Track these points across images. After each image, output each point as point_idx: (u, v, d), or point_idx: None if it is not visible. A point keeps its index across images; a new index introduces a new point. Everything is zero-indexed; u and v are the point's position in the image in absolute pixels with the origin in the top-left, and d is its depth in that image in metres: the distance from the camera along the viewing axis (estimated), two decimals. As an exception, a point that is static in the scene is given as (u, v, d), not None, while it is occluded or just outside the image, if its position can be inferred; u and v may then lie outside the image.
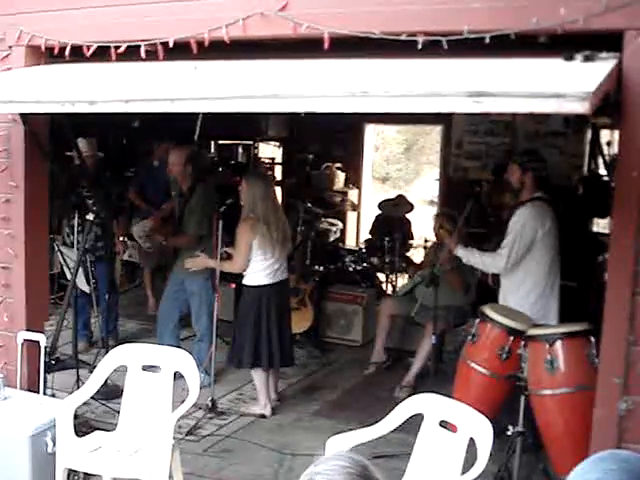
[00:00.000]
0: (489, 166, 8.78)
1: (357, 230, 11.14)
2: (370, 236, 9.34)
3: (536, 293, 4.93)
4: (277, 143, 11.38)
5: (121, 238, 7.05)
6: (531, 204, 4.92)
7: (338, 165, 10.71)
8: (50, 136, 4.86)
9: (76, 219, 6.30)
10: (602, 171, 8.62)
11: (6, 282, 4.81)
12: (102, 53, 4.23)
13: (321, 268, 7.88)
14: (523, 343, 4.30)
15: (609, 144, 8.45)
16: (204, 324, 6.14)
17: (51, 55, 4.53)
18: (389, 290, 8.56)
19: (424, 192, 16.30)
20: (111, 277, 6.90)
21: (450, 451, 3.42)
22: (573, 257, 5.51)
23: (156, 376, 4.19)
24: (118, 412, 4.31)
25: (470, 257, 5.17)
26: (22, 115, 4.47)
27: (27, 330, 4.75)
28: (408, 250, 9.07)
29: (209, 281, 6.02)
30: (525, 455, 4.23)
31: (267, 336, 5.47)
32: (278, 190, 10.52)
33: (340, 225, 9.58)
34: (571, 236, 5.67)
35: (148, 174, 8.14)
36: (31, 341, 4.71)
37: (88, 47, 4.26)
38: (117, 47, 4.17)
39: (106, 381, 4.27)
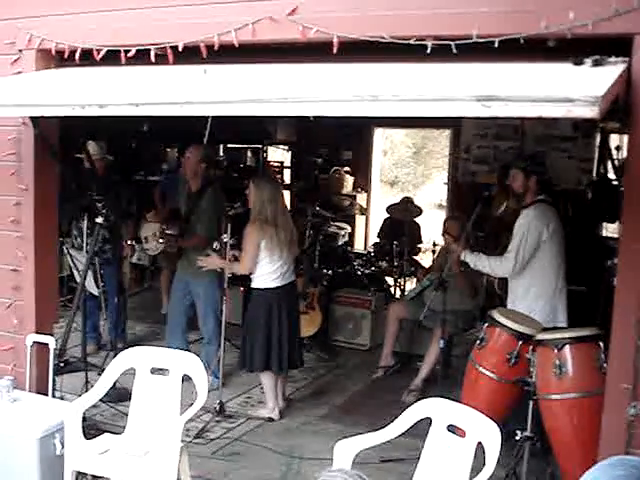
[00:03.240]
0: (497, 170, 8.79)
1: (365, 234, 11.14)
2: (378, 240, 9.34)
3: (545, 297, 4.93)
4: (286, 147, 11.41)
5: (129, 242, 7.06)
6: (534, 206, 4.96)
7: (347, 169, 10.73)
8: (60, 139, 4.88)
9: (85, 222, 6.32)
10: (611, 175, 8.60)
11: (16, 284, 4.83)
12: (112, 57, 4.25)
13: (329, 272, 7.89)
14: (532, 348, 4.29)
15: (618, 148, 8.44)
16: (211, 326, 6.14)
17: (61, 59, 4.55)
18: (397, 294, 8.55)
19: (433, 196, 16.31)
20: (120, 280, 6.92)
21: (458, 456, 3.41)
22: (582, 261, 5.51)
23: (164, 379, 4.20)
24: (126, 415, 4.32)
25: (477, 262, 5.17)
26: (32, 118, 4.48)
27: (36, 332, 4.76)
28: (416, 254, 9.07)
29: (214, 283, 6.02)
30: (533, 460, 4.21)
31: (278, 339, 5.47)
32: (287, 194, 10.55)
33: (348, 229, 9.59)
34: (580, 240, 5.67)
35: (170, 180, 8.20)
36: (40, 343, 4.72)
37: (98, 51, 4.29)
38: (127, 51, 4.19)
39: (115, 384, 4.27)
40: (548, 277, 4.93)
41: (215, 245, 5.73)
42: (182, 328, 6.32)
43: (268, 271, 5.43)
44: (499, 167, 8.05)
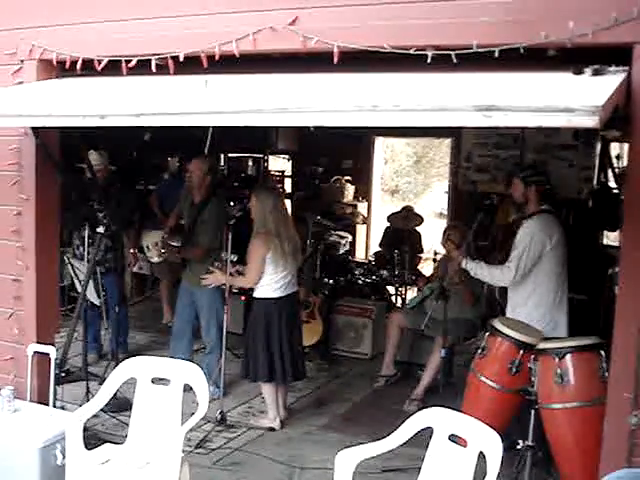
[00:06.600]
0: (498, 179, 8.81)
1: (366, 243, 11.15)
2: (380, 249, 9.34)
3: (545, 305, 4.92)
4: (287, 156, 11.42)
5: (132, 250, 7.06)
6: (538, 217, 4.94)
7: (347, 178, 10.75)
8: (61, 149, 4.89)
9: (86, 232, 6.32)
10: (612, 184, 8.60)
11: (17, 294, 4.83)
12: (113, 67, 4.26)
13: (330, 281, 7.89)
14: (533, 357, 4.29)
15: (618, 157, 8.44)
16: (214, 336, 6.13)
17: (62, 69, 4.57)
18: (398, 303, 8.55)
19: (433, 205, 16.33)
20: (121, 289, 6.92)
21: (460, 465, 3.40)
22: (583, 270, 5.50)
23: (165, 389, 4.19)
24: (128, 425, 4.31)
25: (478, 270, 5.15)
26: (33, 129, 4.50)
27: (37, 342, 4.76)
28: (418, 263, 9.07)
29: (218, 293, 6.01)
30: (535, 469, 4.21)
31: (279, 350, 5.45)
32: (288, 203, 10.53)
33: (349, 238, 9.61)
34: (581, 249, 5.66)
35: (168, 186, 8.24)
36: (41, 353, 4.72)
37: (99, 61, 4.31)
38: (128, 61, 4.21)
39: (116, 394, 4.27)
40: (549, 286, 4.92)
41: (217, 265, 5.73)
42: (188, 337, 6.30)
43: (271, 281, 5.42)
44: (505, 176, 8.06)
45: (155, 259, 6.47)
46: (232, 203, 8.91)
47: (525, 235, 4.89)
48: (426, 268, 9.29)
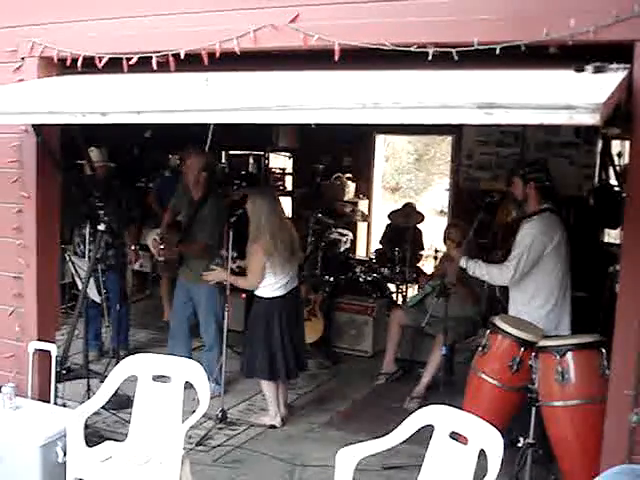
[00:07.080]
0: (499, 176, 8.80)
1: (367, 240, 11.14)
2: (381, 246, 9.34)
3: (549, 305, 4.89)
4: (288, 154, 11.42)
5: (132, 247, 7.05)
6: (540, 217, 4.89)
7: (348, 175, 10.72)
8: (62, 146, 4.89)
9: (87, 229, 6.32)
10: (613, 182, 8.59)
11: (18, 292, 4.84)
12: (114, 64, 4.26)
13: (331, 278, 7.88)
14: (534, 354, 4.29)
15: (620, 155, 8.43)
16: (212, 333, 6.13)
17: (63, 66, 4.57)
18: (399, 301, 8.54)
19: (434, 202, 16.33)
20: (122, 287, 6.91)
21: (460, 463, 3.40)
22: (584, 268, 5.49)
23: (166, 386, 4.19)
24: (128, 422, 4.31)
25: (476, 269, 5.12)
26: (34, 126, 4.50)
27: (38, 340, 4.77)
28: (418, 260, 9.06)
29: (215, 290, 6.01)
30: (536, 467, 4.20)
31: (282, 348, 5.45)
32: (289, 201, 10.56)
33: (350, 235, 9.57)
34: (582, 247, 5.65)
35: (167, 183, 8.23)
36: (42, 351, 4.73)
37: (100, 58, 4.31)
38: (129, 58, 4.21)
39: (117, 391, 4.27)
40: (552, 285, 4.88)
41: (217, 261, 5.73)
42: (185, 335, 6.30)
43: (271, 282, 5.43)
44: (507, 174, 8.04)
45: (162, 258, 6.45)
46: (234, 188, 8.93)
47: (526, 236, 4.85)
48: (427, 266, 9.28)
